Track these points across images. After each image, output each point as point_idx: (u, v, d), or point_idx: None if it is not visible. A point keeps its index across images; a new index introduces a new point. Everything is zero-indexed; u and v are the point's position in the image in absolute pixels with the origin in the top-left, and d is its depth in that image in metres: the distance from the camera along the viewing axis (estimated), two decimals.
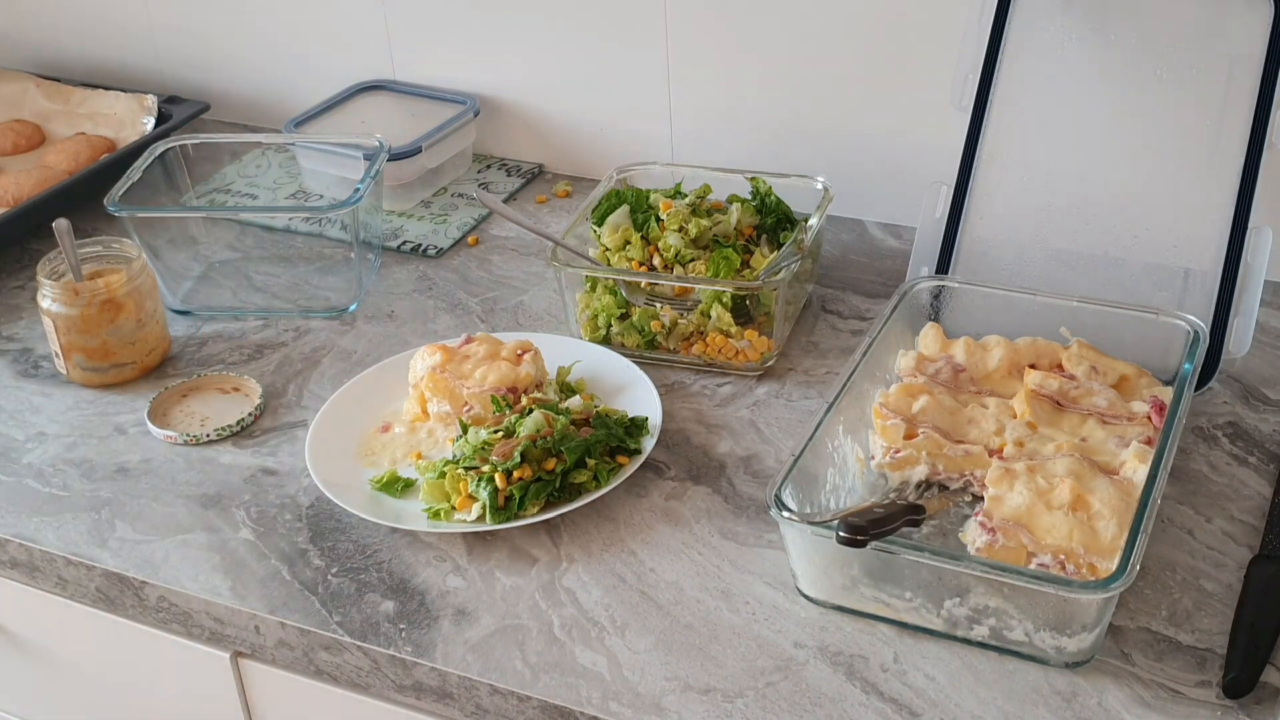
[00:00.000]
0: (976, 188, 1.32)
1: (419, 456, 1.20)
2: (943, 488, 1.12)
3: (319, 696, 1.11)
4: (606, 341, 1.34)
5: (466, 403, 1.22)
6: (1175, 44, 1.25)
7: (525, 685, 0.98)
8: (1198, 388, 1.19)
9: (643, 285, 1.34)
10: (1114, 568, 0.91)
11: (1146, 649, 0.97)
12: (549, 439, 1.13)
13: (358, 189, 1.44)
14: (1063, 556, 0.98)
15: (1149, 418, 1.11)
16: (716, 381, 1.30)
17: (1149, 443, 1.07)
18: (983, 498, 1.05)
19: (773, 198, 1.40)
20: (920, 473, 1.11)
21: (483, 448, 1.14)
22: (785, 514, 0.98)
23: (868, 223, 1.56)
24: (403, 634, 1.03)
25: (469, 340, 1.28)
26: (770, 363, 1.31)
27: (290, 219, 1.57)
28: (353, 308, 1.45)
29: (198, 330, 1.44)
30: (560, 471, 1.13)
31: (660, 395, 1.24)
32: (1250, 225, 1.21)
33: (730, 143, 1.60)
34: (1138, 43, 1.26)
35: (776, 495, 0.99)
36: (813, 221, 1.35)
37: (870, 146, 1.53)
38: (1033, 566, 0.98)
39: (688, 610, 1.03)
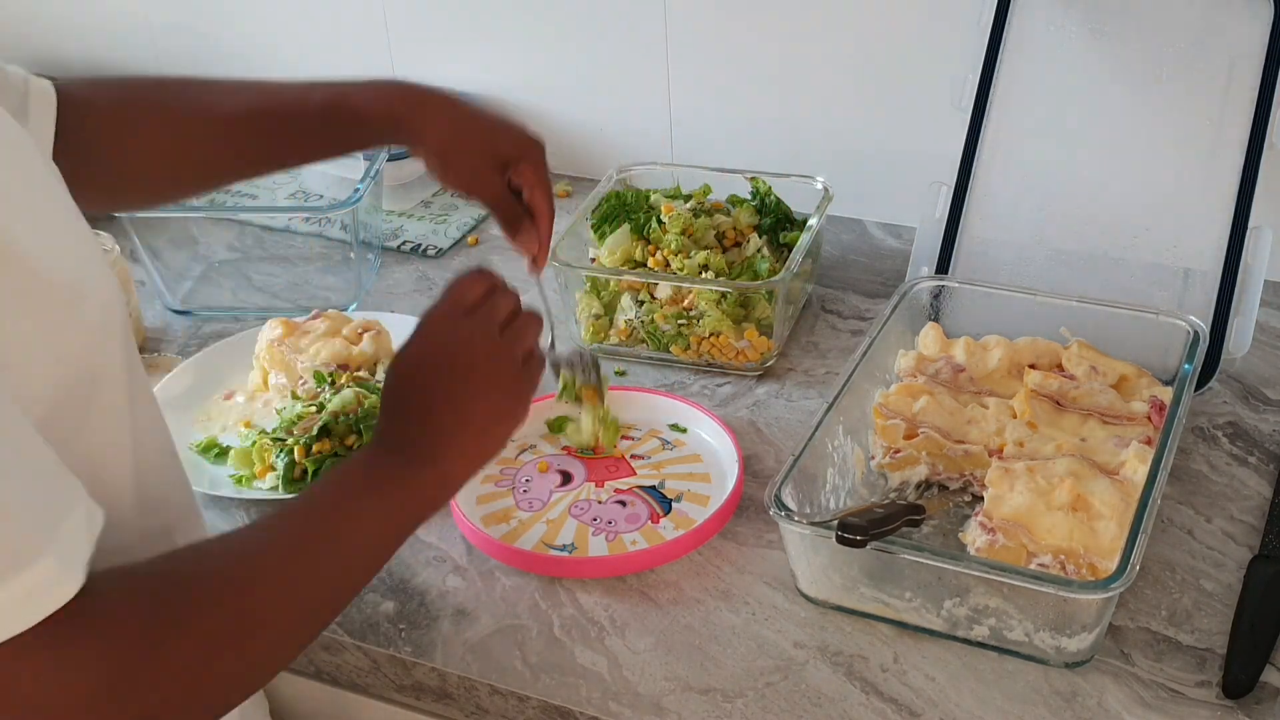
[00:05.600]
0: (976, 188, 1.32)
1: (248, 425, 1.24)
2: (943, 488, 1.12)
3: (319, 696, 1.11)
4: (606, 341, 1.34)
5: (301, 376, 1.26)
6: (1175, 44, 1.25)
7: (525, 685, 0.98)
8: (1198, 388, 1.19)
9: (643, 286, 1.34)
10: (1114, 568, 0.91)
11: (1146, 649, 0.97)
12: (353, 416, 1.17)
13: (358, 189, 1.44)
14: (1063, 556, 0.98)
15: (1149, 418, 1.11)
16: (716, 381, 1.30)
17: (1149, 443, 1.07)
18: (983, 498, 1.05)
19: (773, 198, 1.40)
20: (920, 473, 1.11)
21: (296, 420, 1.19)
22: (785, 514, 0.98)
23: (868, 223, 1.56)
24: (403, 634, 1.03)
25: (316, 316, 1.32)
26: (770, 363, 1.31)
27: (290, 219, 1.57)
28: (352, 308, 1.45)
29: (198, 330, 1.44)
30: (359, 448, 1.16)
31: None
32: (1250, 225, 1.21)
33: (730, 143, 1.60)
34: (1137, 43, 1.26)
35: (776, 495, 0.99)
36: (813, 221, 1.35)
37: (870, 146, 1.53)
38: (1033, 566, 0.98)
39: (687, 610, 1.03)
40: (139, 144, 1.02)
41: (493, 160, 1.06)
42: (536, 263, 1.10)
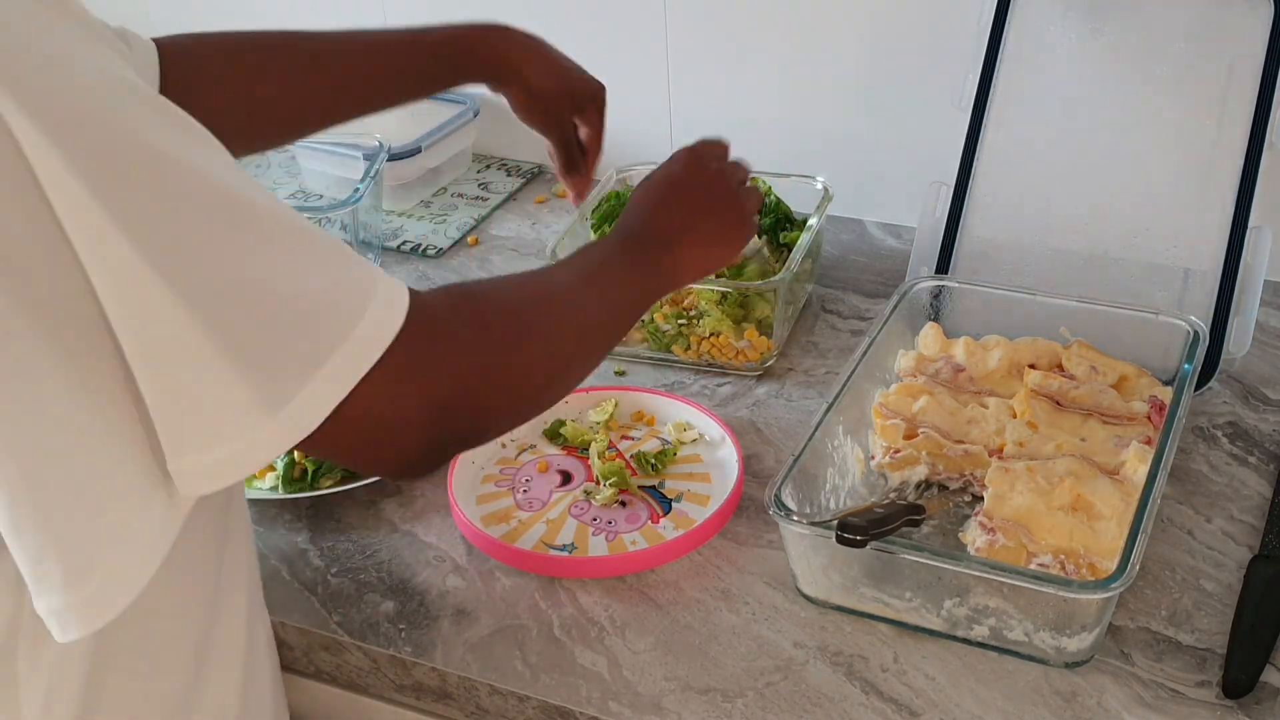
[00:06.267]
0: (976, 188, 1.32)
1: None
2: (943, 488, 1.12)
3: (319, 696, 1.11)
4: None
5: None
6: (1175, 44, 1.25)
7: (525, 685, 0.98)
8: (1198, 388, 1.19)
9: None
10: (1114, 568, 0.91)
11: (1146, 649, 0.97)
12: None
13: (357, 189, 1.44)
14: (1063, 556, 0.98)
15: (1149, 418, 1.11)
16: (716, 381, 1.30)
17: (1149, 443, 1.07)
18: (983, 498, 1.05)
19: (773, 198, 1.40)
20: (920, 473, 1.11)
21: None
22: (785, 514, 0.98)
23: (868, 223, 1.56)
24: (402, 634, 1.03)
25: None
26: (770, 363, 1.31)
27: None
28: None
29: None
30: None
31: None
32: (1250, 225, 1.21)
33: (730, 143, 1.59)
34: (1138, 43, 1.26)
35: (776, 495, 0.99)
36: (813, 221, 1.35)
37: (870, 146, 1.53)
38: (1033, 566, 0.98)
39: (687, 610, 1.03)
40: (267, 90, 1.13)
41: (570, 103, 1.22)
42: (581, 195, 1.29)
